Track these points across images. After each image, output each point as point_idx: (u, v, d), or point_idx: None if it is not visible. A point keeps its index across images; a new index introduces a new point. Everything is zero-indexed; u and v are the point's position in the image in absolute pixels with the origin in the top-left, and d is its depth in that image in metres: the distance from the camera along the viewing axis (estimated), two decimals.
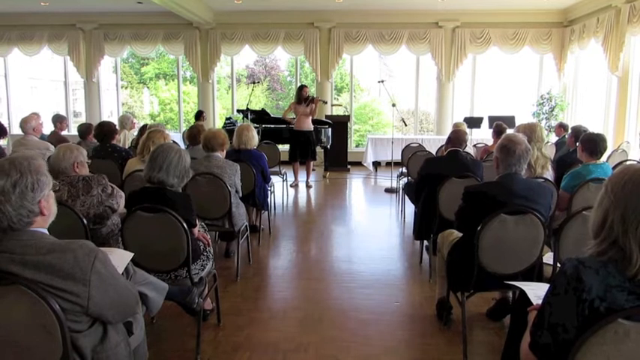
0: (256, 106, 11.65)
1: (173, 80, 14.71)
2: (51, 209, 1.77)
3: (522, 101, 11.32)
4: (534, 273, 2.88)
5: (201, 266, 3.09)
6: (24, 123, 5.70)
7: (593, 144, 3.94)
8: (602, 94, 9.10)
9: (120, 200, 3.30)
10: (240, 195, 4.40)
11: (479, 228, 2.73)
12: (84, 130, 6.26)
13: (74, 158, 3.22)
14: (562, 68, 10.61)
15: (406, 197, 6.01)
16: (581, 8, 9.60)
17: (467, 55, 10.89)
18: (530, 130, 3.98)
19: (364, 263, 4.69)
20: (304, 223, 6.41)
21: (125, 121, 7.63)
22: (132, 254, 2.40)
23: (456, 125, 6.71)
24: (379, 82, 8.76)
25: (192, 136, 5.40)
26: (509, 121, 9.28)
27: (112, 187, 3.30)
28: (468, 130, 7.33)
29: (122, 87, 14.07)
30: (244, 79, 15.69)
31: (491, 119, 9.57)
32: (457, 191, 3.18)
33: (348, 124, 10.81)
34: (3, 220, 1.64)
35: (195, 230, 3.13)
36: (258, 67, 16.15)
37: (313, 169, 9.34)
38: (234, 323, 3.39)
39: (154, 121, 13.73)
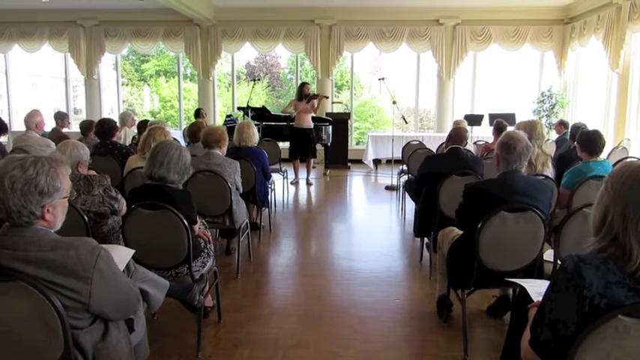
0: (257, 103, 11.61)
1: (174, 77, 14.68)
2: (56, 217, 1.74)
3: (523, 99, 11.30)
4: (535, 270, 2.88)
5: (202, 263, 3.10)
6: (28, 118, 5.68)
7: (592, 143, 3.94)
8: (603, 91, 9.09)
9: (122, 207, 3.29)
10: (241, 192, 4.40)
11: (479, 225, 2.73)
12: (85, 126, 6.27)
13: (79, 157, 3.21)
14: (563, 65, 10.59)
15: (406, 195, 6.01)
16: (582, 5, 9.58)
17: (467, 52, 10.87)
18: (530, 128, 3.97)
19: (364, 260, 4.70)
20: (304, 220, 6.41)
21: (126, 118, 7.63)
22: (133, 251, 2.41)
23: (456, 123, 6.69)
24: (380, 79, 8.75)
25: (193, 133, 5.39)
26: (510, 118, 9.24)
27: (115, 191, 3.30)
28: (468, 128, 7.32)
29: (123, 84, 14.04)
30: (244, 77, 15.67)
31: (492, 117, 9.54)
32: (457, 189, 3.18)
33: (349, 121, 10.80)
34: (2, 210, 1.64)
35: (196, 227, 3.14)
36: (258, 64, 16.13)
37: (314, 167, 9.34)
38: (234, 320, 3.40)
39: (155, 118, 13.69)
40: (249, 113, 9.18)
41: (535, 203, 2.78)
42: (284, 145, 8.66)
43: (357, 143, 12.37)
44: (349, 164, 10.43)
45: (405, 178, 6.82)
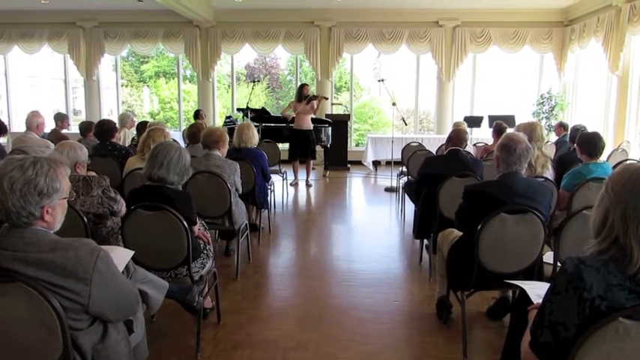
0: (256, 104, 11.64)
1: (173, 79, 14.69)
2: (56, 218, 1.74)
3: (522, 100, 11.31)
4: (534, 272, 2.88)
5: (202, 264, 3.09)
6: (30, 118, 5.67)
7: (592, 145, 3.95)
8: (603, 93, 9.09)
9: (122, 208, 3.29)
10: (240, 193, 4.40)
11: (479, 227, 2.73)
12: (85, 127, 6.27)
13: (77, 158, 3.20)
14: (562, 67, 10.60)
15: (406, 196, 6.01)
16: (582, 8, 9.60)
17: (467, 54, 10.88)
18: (530, 129, 3.97)
19: (364, 262, 4.69)
20: (304, 221, 6.41)
21: (125, 119, 7.63)
22: (132, 252, 2.40)
23: (456, 124, 6.71)
24: (379, 80, 8.75)
25: (192, 134, 5.39)
26: (510, 120, 9.26)
27: (115, 191, 3.30)
28: (468, 130, 7.32)
29: (122, 85, 14.04)
30: (244, 78, 15.67)
31: (492, 118, 9.56)
32: (457, 190, 3.18)
33: (348, 123, 10.81)
34: (1, 211, 1.64)
35: (196, 228, 3.13)
36: (258, 65, 16.13)
37: (313, 168, 9.34)
38: (234, 321, 3.40)
39: (154, 119, 13.68)
40: (249, 114, 9.18)
41: (535, 205, 2.78)
42: (283, 146, 8.66)
43: (357, 145, 12.38)
44: (349, 166, 10.43)
45: (404, 179, 6.82)
